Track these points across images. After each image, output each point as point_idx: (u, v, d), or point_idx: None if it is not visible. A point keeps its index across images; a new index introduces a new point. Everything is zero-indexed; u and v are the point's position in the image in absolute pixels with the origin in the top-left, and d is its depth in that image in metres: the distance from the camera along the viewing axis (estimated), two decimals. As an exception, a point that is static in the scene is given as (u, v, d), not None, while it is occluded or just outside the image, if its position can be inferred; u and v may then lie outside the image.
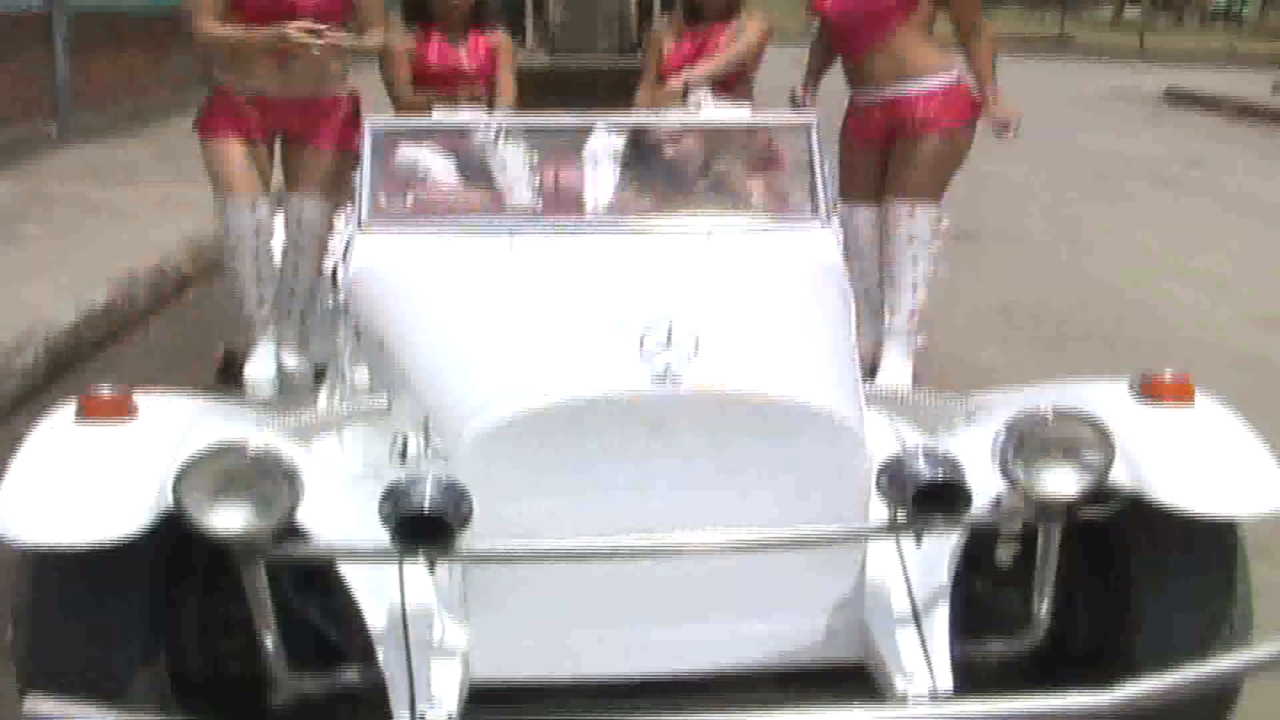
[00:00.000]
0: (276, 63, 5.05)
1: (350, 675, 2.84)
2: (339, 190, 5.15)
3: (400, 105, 5.60)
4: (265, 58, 5.05)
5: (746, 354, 2.90)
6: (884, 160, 5.26)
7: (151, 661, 2.77)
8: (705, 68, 5.25)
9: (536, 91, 6.45)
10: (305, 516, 2.65)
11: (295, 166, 5.28)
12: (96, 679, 2.71)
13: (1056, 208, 11.05)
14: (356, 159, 5.07)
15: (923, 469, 2.60)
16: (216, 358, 5.75)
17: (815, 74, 5.55)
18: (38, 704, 2.58)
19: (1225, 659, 2.82)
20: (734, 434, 2.73)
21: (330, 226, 5.27)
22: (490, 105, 5.66)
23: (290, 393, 5.10)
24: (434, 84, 5.50)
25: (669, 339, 2.73)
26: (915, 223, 5.11)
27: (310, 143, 5.21)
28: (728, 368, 2.79)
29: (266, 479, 2.50)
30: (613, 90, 8.41)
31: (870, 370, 5.04)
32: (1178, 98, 22.29)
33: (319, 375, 5.03)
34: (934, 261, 5.19)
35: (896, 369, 5.12)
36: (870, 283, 5.31)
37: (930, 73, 5.11)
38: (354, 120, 5.15)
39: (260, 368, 5.31)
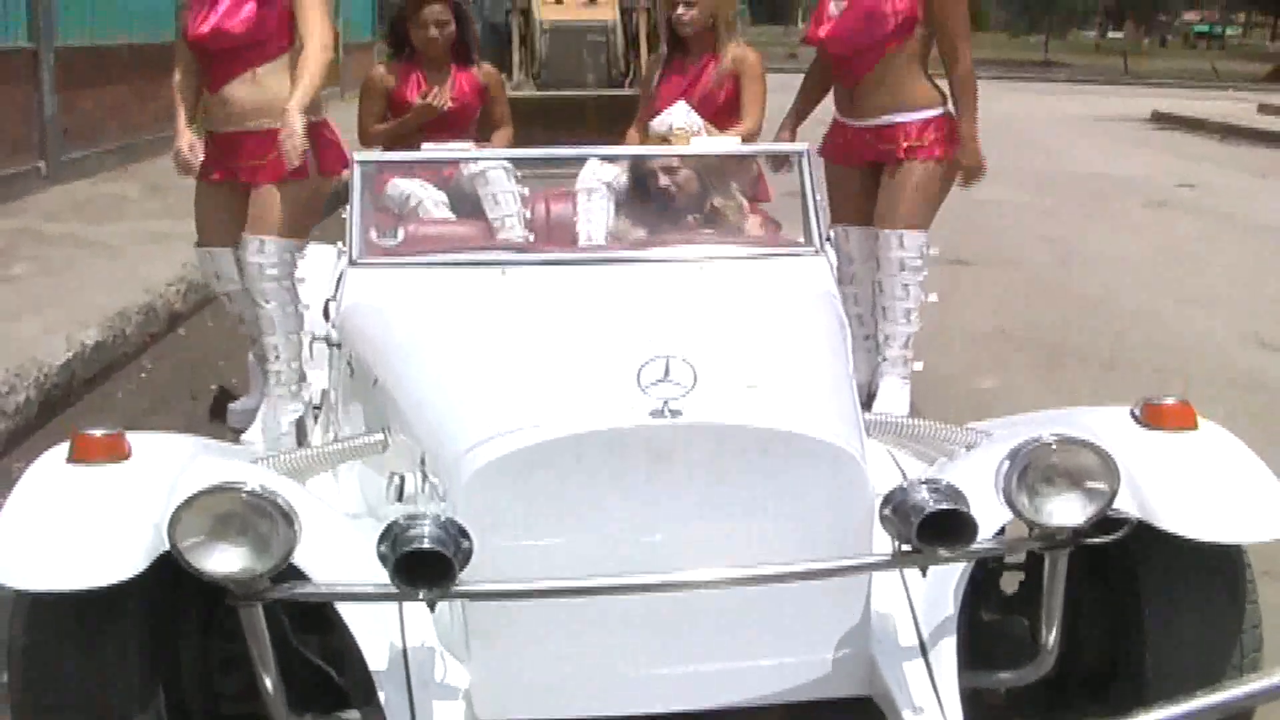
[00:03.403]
0: (217, 97, 4.95)
1: (352, 716, 2.81)
2: (291, 227, 4.96)
3: (361, 135, 5.55)
4: (209, 96, 4.97)
5: (745, 385, 2.86)
6: (869, 184, 5.25)
7: (149, 703, 2.73)
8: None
9: (524, 123, 6.43)
10: (303, 556, 2.62)
11: (245, 206, 5.03)
12: (94, 721, 2.68)
13: (1048, 230, 11.06)
14: (313, 192, 5.03)
15: (926, 499, 2.56)
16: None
17: (800, 113, 5.50)
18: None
19: (1236, 687, 2.77)
20: (734, 466, 2.70)
21: (285, 265, 4.99)
22: (486, 141, 5.64)
23: (280, 435, 5.00)
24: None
25: (667, 372, 2.70)
26: (905, 251, 5.10)
27: (255, 179, 4.97)
28: (726, 400, 2.76)
29: (263, 520, 2.47)
30: (601, 120, 8.43)
31: (867, 398, 5.01)
32: (1164, 119, 22.39)
33: (317, 410, 4.97)
34: (923, 289, 5.18)
35: (894, 397, 5.10)
36: (864, 308, 5.30)
37: (924, 104, 5.11)
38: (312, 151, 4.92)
39: (246, 412, 5.26)
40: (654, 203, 4.44)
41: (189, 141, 5.09)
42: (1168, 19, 65.20)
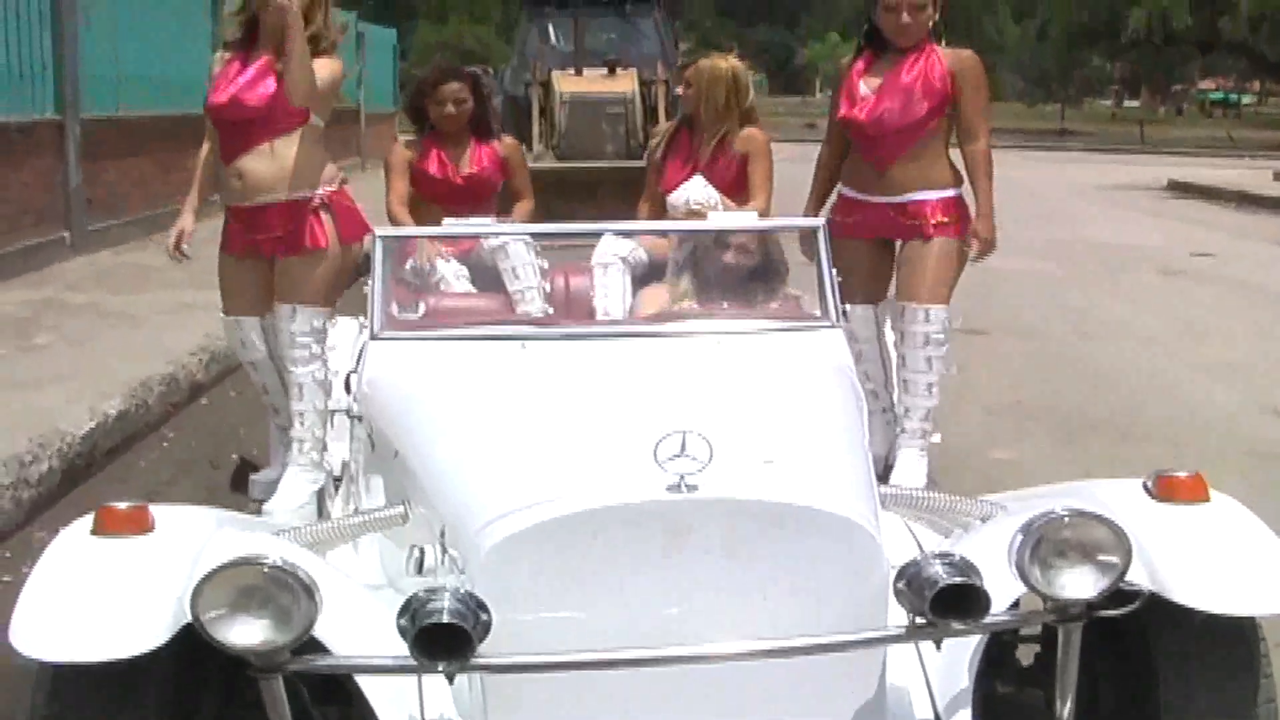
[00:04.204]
0: (232, 169, 5.00)
1: (370, 788, 2.82)
2: (320, 294, 5.03)
3: (388, 210, 5.61)
4: (225, 168, 5.04)
5: (761, 460, 2.90)
6: (882, 261, 5.27)
7: (169, 775, 2.76)
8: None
9: (544, 194, 6.52)
10: (323, 628, 2.65)
11: (268, 276, 5.12)
12: (114, 794, 2.70)
13: (1064, 299, 11.09)
14: (336, 259, 5.06)
15: (941, 573, 2.59)
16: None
17: (820, 198, 5.50)
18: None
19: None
20: (750, 540, 2.73)
21: (316, 332, 5.04)
22: (507, 213, 5.71)
23: (301, 505, 5.02)
24: (430, 194, 5.55)
25: (683, 447, 2.73)
26: (930, 325, 5.11)
27: (275, 253, 5.05)
28: (742, 474, 2.80)
29: (284, 592, 2.50)
30: (617, 192, 8.51)
31: (883, 471, 5.02)
32: (1180, 187, 22.45)
33: (336, 481, 5.00)
34: (947, 363, 5.19)
35: (911, 470, 5.10)
36: (877, 384, 5.31)
37: (945, 184, 5.16)
38: (322, 219, 5.00)
39: (268, 483, 5.29)
40: (720, 280, 4.47)
41: (180, 230, 5.20)
42: (1184, 88, 65.52)
